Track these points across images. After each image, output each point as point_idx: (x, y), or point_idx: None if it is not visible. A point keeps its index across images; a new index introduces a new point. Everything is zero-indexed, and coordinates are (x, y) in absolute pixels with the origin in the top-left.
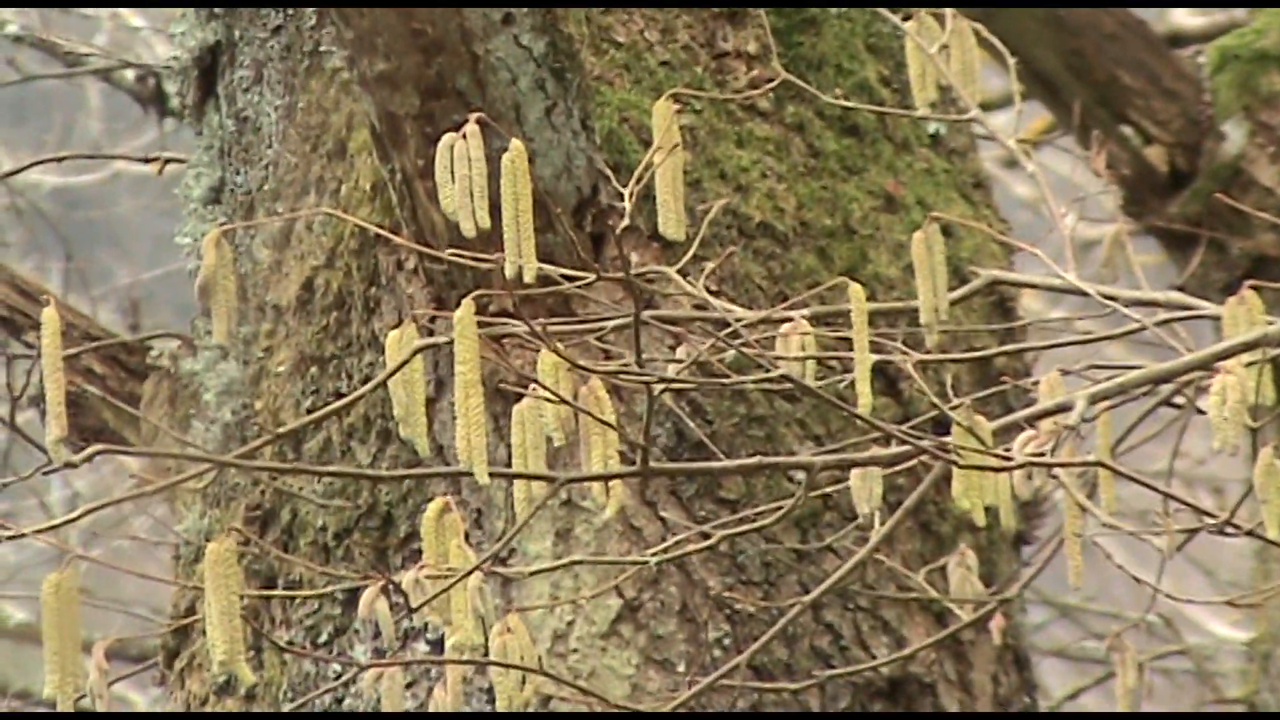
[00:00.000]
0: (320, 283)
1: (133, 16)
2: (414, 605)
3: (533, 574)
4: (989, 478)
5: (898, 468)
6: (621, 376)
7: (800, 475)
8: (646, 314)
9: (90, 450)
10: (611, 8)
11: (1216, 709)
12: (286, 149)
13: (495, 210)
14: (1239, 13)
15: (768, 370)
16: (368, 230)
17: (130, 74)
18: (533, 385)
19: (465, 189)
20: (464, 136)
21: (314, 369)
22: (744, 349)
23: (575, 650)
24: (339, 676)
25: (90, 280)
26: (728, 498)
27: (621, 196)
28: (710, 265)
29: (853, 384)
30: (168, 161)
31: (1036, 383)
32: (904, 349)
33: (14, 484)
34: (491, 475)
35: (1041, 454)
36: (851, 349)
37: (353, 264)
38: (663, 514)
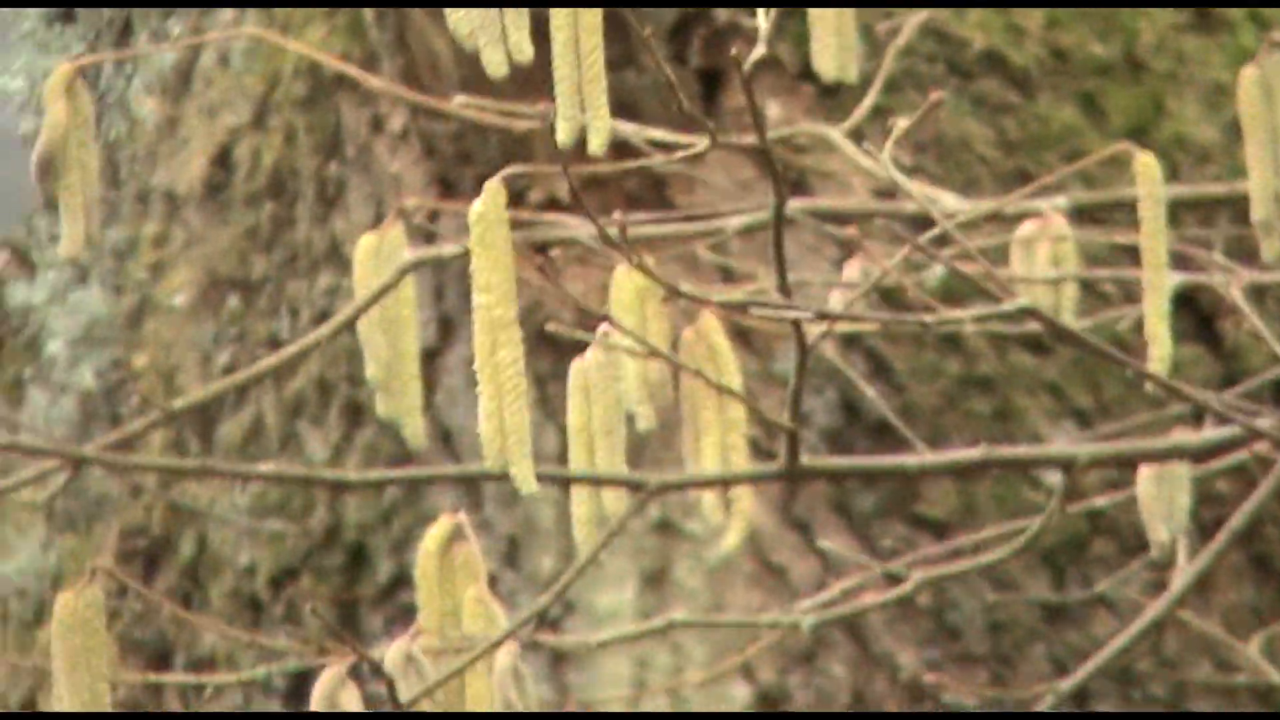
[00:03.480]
0: (243, 155)
1: None
2: (404, 696)
3: (603, 644)
4: None
5: (1218, 464)
6: (753, 311)
7: (1053, 477)
8: (794, 205)
9: None
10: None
11: None
12: None
13: (540, 34)
14: None
15: (998, 300)
16: (323, 65)
17: None
18: (604, 327)
19: None
20: None
21: (233, 300)
22: (958, 264)
23: None
24: None
25: None
26: (930, 516)
27: (751, 10)
28: (901, 123)
29: (1139, 324)
30: None
31: None
32: (1226, 263)
33: None
34: (539, 479)
35: None
36: (1137, 264)
37: (297, 123)
38: (821, 543)
